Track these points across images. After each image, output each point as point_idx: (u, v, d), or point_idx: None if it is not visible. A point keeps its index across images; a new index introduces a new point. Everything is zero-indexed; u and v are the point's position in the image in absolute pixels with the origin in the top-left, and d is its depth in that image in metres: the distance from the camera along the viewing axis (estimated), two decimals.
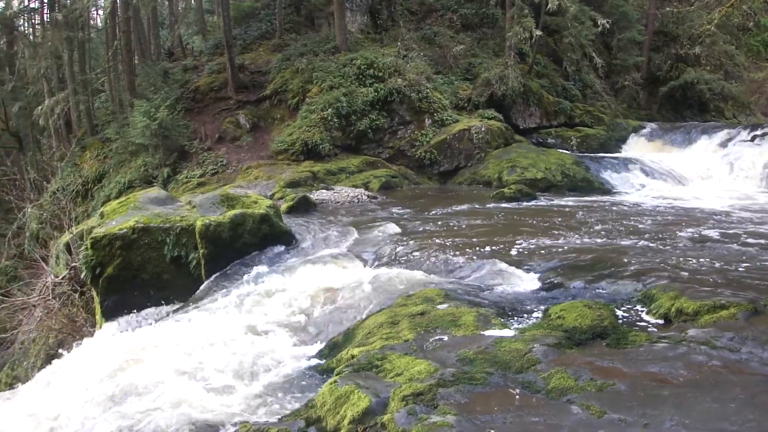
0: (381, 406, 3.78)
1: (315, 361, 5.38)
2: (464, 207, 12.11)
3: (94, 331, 9.05)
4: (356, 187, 14.42)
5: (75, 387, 5.34)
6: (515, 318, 5.32)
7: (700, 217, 10.52)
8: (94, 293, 9.59)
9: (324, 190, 13.87)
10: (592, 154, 18.47)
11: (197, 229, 8.59)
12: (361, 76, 18.37)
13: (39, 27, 27.63)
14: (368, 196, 13.57)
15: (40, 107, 21.50)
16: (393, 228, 9.76)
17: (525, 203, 12.60)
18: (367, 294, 6.56)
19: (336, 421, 3.84)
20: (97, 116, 23.42)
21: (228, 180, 16.13)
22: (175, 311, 7.88)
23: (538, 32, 18.59)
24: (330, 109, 17.28)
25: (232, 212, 9.00)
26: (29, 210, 18.36)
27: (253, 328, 6.23)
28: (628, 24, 23.92)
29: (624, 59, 24.06)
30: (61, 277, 12.81)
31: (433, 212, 11.64)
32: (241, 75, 20.38)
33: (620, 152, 19.42)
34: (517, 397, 3.76)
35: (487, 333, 4.78)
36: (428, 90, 18.24)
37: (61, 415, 4.96)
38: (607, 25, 19.78)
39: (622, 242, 8.27)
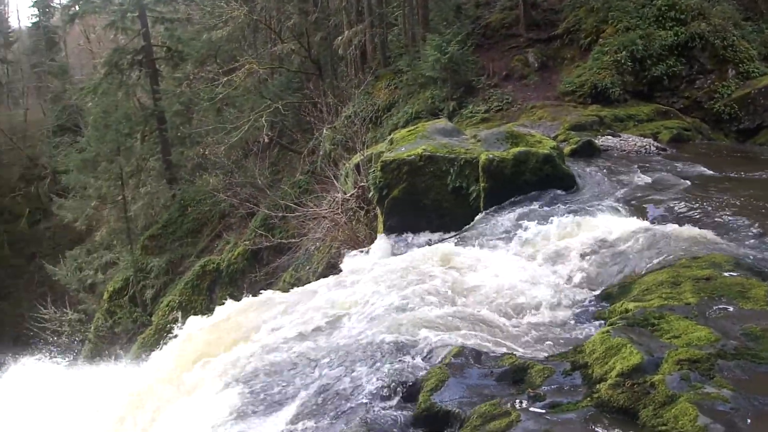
0: (652, 366, 3.69)
1: (586, 309, 5.37)
2: (764, 172, 10.99)
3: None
4: (644, 136, 13.62)
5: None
6: None
7: None
8: (378, 212, 10.36)
9: (610, 137, 13.33)
10: None
11: (480, 163, 8.83)
12: (660, 18, 17.03)
13: None
14: (657, 148, 12.79)
15: (339, 38, 23.09)
16: (681, 183, 9.20)
17: None
18: (647, 249, 6.29)
19: (603, 371, 3.83)
20: (390, 48, 24.50)
21: (511, 118, 16.14)
22: (450, 238, 8.26)
23: None
24: (624, 52, 16.39)
25: (516, 149, 9.08)
26: (325, 131, 19.98)
27: (525, 266, 6.35)
28: None
29: None
30: (349, 195, 13.93)
31: (728, 173, 10.67)
32: (533, 12, 20.01)
33: None
34: None
35: None
36: (735, 37, 16.48)
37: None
38: None
39: None
